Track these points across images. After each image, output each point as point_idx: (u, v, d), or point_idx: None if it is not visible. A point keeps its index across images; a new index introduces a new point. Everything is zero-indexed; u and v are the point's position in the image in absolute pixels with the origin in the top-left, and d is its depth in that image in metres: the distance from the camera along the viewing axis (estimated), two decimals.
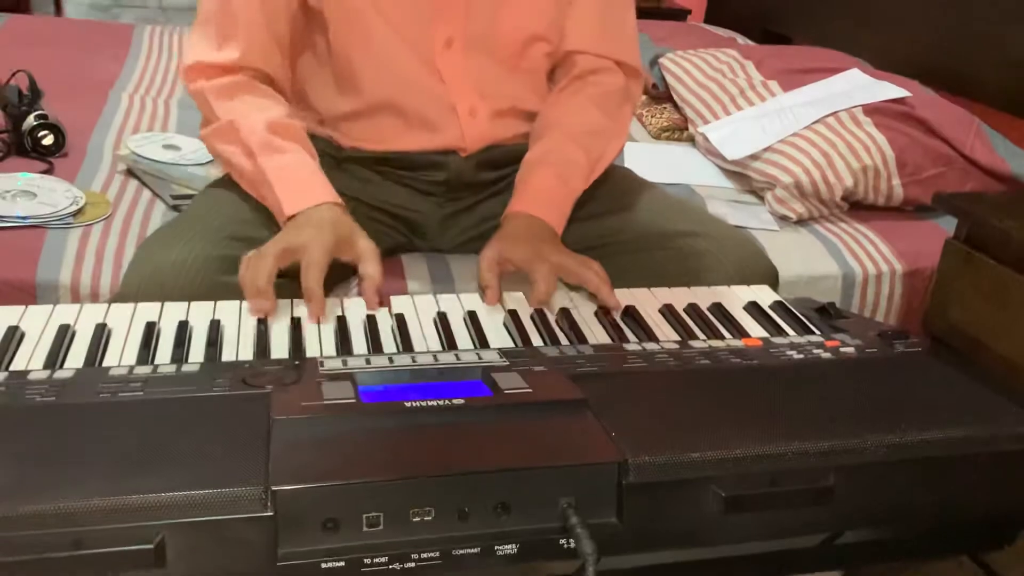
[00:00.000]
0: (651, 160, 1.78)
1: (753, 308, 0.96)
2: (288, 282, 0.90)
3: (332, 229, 0.96)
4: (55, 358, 0.77)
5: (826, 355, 0.82)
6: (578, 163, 1.12)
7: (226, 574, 0.56)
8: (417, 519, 0.59)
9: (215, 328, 0.84)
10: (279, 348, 0.83)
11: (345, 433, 0.63)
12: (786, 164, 1.61)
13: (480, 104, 1.16)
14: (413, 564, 0.58)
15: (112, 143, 1.67)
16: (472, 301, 0.95)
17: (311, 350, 0.83)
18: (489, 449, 0.62)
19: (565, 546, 0.60)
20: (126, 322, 0.84)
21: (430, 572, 0.59)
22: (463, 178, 1.19)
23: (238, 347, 0.82)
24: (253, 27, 1.07)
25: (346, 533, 0.58)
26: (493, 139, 1.19)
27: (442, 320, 0.89)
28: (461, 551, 0.59)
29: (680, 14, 3.27)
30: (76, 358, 0.78)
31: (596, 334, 0.90)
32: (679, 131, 1.98)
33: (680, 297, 0.98)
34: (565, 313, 0.93)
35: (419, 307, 0.92)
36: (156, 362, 0.78)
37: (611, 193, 1.18)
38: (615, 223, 1.15)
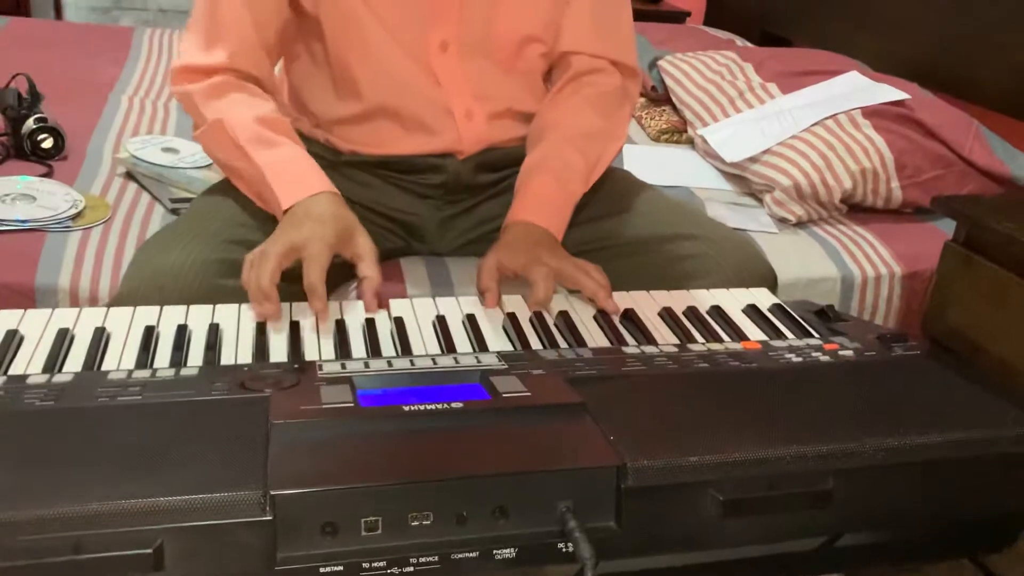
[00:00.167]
0: (650, 162, 1.78)
1: (752, 311, 0.96)
2: (287, 285, 0.90)
3: (333, 223, 0.95)
4: (54, 362, 0.77)
5: (825, 358, 0.82)
6: (576, 167, 1.12)
7: None
8: (415, 523, 0.59)
9: (214, 331, 0.84)
10: (278, 352, 0.83)
11: (344, 437, 0.63)
12: (785, 167, 1.61)
13: (476, 106, 1.16)
14: (411, 568, 0.58)
15: (111, 146, 1.67)
16: (471, 304, 0.95)
17: (310, 354, 0.83)
18: (487, 453, 0.62)
19: (563, 550, 0.60)
20: (125, 326, 0.85)
21: None
22: (461, 181, 1.20)
23: (237, 350, 0.82)
24: (241, 30, 1.07)
25: (345, 537, 0.58)
26: (490, 141, 1.19)
27: (441, 323, 0.89)
28: (459, 555, 0.59)
29: (679, 16, 3.28)
30: (75, 362, 0.78)
31: (595, 337, 0.90)
32: (678, 133, 1.98)
33: (679, 300, 0.98)
34: (564, 316, 0.93)
35: (418, 310, 0.92)
36: (155, 366, 0.78)
37: (609, 196, 1.18)
38: (613, 226, 1.15)
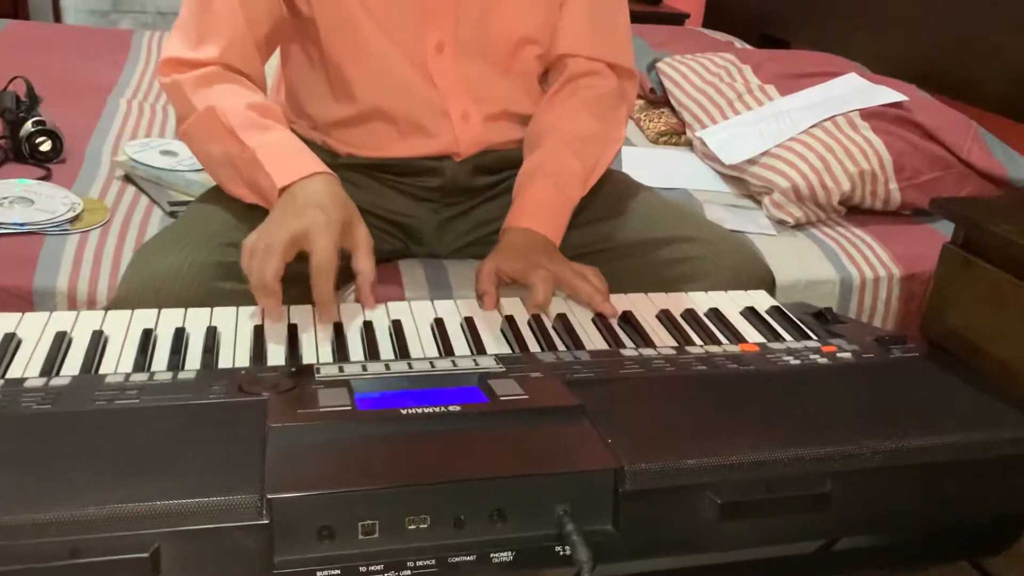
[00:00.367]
0: (649, 164, 1.78)
1: (750, 313, 0.96)
2: (286, 288, 0.90)
3: (335, 211, 0.92)
4: (51, 365, 0.77)
5: (823, 360, 0.82)
6: (574, 171, 1.12)
7: None
8: (413, 527, 0.58)
9: (211, 335, 0.84)
10: (276, 355, 0.83)
11: (341, 441, 0.63)
12: (783, 169, 1.61)
13: (473, 108, 1.16)
14: (409, 572, 0.58)
15: (110, 149, 1.67)
16: (469, 307, 0.95)
17: (308, 356, 0.83)
18: (485, 456, 0.62)
19: (561, 553, 0.60)
20: (123, 329, 0.84)
21: None
22: (458, 183, 1.20)
23: (234, 353, 0.82)
24: (233, 27, 1.06)
25: (342, 541, 0.57)
26: (487, 143, 1.19)
27: (439, 326, 0.89)
28: (457, 559, 0.59)
29: (678, 18, 3.28)
30: (72, 365, 0.78)
31: (593, 340, 0.90)
32: (677, 135, 1.98)
33: (677, 302, 0.98)
34: (562, 319, 0.93)
35: (416, 313, 0.92)
36: (152, 369, 0.78)
37: (607, 198, 1.18)
38: (611, 228, 1.15)
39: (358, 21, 1.09)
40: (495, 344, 0.88)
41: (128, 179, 1.54)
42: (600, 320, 0.94)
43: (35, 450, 0.60)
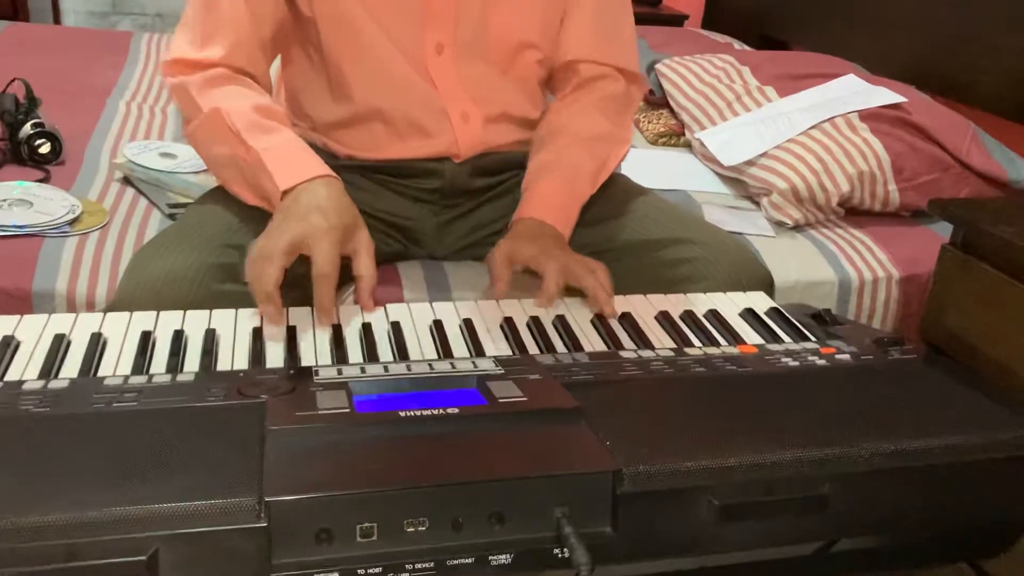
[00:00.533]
0: (648, 166, 1.78)
1: (749, 315, 0.96)
2: (286, 291, 0.90)
3: (337, 216, 0.93)
4: (50, 368, 0.77)
5: (822, 362, 0.82)
6: (584, 168, 1.13)
7: None
8: (411, 529, 0.58)
9: (210, 337, 0.84)
10: (274, 357, 0.83)
11: (339, 443, 0.63)
12: (782, 170, 1.61)
13: (473, 109, 1.16)
14: (407, 575, 0.58)
15: (109, 151, 1.67)
16: (468, 309, 0.95)
17: (306, 359, 0.83)
18: (483, 459, 0.62)
19: (559, 556, 0.60)
20: (121, 331, 0.84)
21: None
22: (457, 185, 1.20)
23: (233, 356, 0.82)
24: (238, 27, 1.06)
25: (340, 544, 0.57)
26: (486, 145, 1.19)
27: (438, 328, 0.89)
28: (455, 561, 0.59)
29: (677, 19, 3.28)
30: (71, 367, 0.78)
31: (592, 341, 0.90)
32: (676, 137, 1.98)
33: (676, 304, 0.98)
34: (561, 320, 0.93)
35: (415, 315, 0.92)
36: (151, 371, 0.78)
37: (606, 200, 1.18)
38: (610, 230, 1.15)
39: (358, 21, 1.10)
40: (494, 346, 0.88)
41: (127, 181, 1.54)
42: (599, 321, 0.94)
43: (33, 452, 0.60)
